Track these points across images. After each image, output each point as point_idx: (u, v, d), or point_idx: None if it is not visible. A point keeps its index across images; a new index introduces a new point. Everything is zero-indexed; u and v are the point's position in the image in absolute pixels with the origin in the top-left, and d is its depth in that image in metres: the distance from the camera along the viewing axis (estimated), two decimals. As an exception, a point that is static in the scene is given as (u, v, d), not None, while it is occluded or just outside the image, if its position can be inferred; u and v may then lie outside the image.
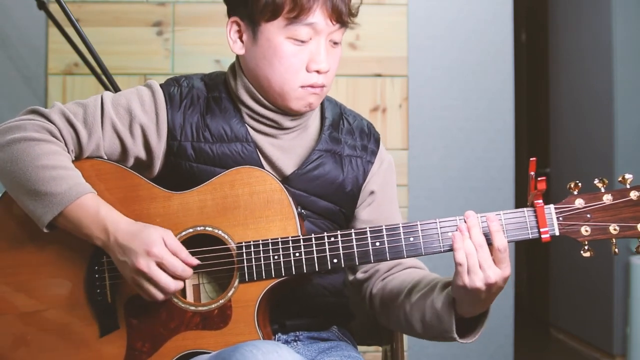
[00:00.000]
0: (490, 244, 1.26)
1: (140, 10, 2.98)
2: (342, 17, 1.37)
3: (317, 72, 1.37)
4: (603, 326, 3.85)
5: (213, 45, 2.98)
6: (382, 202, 1.52)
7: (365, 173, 1.49)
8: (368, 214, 1.50)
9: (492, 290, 1.26)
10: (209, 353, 1.30)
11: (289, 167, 1.44)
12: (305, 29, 1.35)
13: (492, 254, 1.25)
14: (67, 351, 1.35)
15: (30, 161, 1.31)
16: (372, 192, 1.51)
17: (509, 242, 1.27)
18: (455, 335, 1.32)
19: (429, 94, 3.07)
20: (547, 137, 4.82)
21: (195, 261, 1.30)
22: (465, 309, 1.30)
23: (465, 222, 1.27)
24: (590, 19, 4.06)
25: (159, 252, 1.26)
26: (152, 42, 2.98)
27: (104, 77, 2.49)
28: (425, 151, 3.07)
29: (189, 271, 1.29)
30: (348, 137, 1.49)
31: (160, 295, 1.28)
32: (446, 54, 3.08)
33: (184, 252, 1.29)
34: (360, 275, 1.52)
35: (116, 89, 2.40)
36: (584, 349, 4.16)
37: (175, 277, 1.27)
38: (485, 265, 1.25)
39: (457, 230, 1.27)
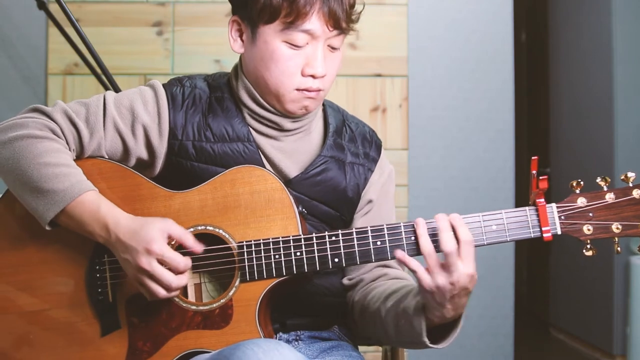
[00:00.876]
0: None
1: (140, 10, 2.98)
2: (339, 23, 1.36)
3: (312, 76, 1.37)
4: (603, 326, 3.85)
5: (213, 45, 2.98)
6: (379, 212, 1.51)
7: (366, 180, 1.49)
8: (364, 222, 1.49)
9: (455, 289, 1.24)
10: (210, 352, 1.29)
11: (292, 170, 1.43)
12: (301, 34, 1.35)
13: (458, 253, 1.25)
14: (68, 350, 1.35)
15: (32, 158, 1.31)
16: (370, 201, 1.50)
17: (511, 240, 1.27)
18: (426, 340, 1.29)
19: (429, 94, 3.07)
20: (547, 137, 4.82)
21: (201, 247, 1.30)
22: (435, 313, 1.28)
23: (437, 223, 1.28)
24: (590, 19, 4.05)
25: (159, 248, 1.26)
26: (152, 42, 2.98)
27: (104, 77, 2.49)
28: (425, 151, 3.07)
29: (190, 264, 1.29)
30: (351, 145, 1.49)
31: (163, 293, 1.27)
32: (446, 54, 3.08)
33: (190, 239, 1.29)
34: (345, 281, 1.51)
35: (116, 89, 2.40)
36: (584, 349, 4.15)
37: (177, 272, 1.27)
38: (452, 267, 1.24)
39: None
